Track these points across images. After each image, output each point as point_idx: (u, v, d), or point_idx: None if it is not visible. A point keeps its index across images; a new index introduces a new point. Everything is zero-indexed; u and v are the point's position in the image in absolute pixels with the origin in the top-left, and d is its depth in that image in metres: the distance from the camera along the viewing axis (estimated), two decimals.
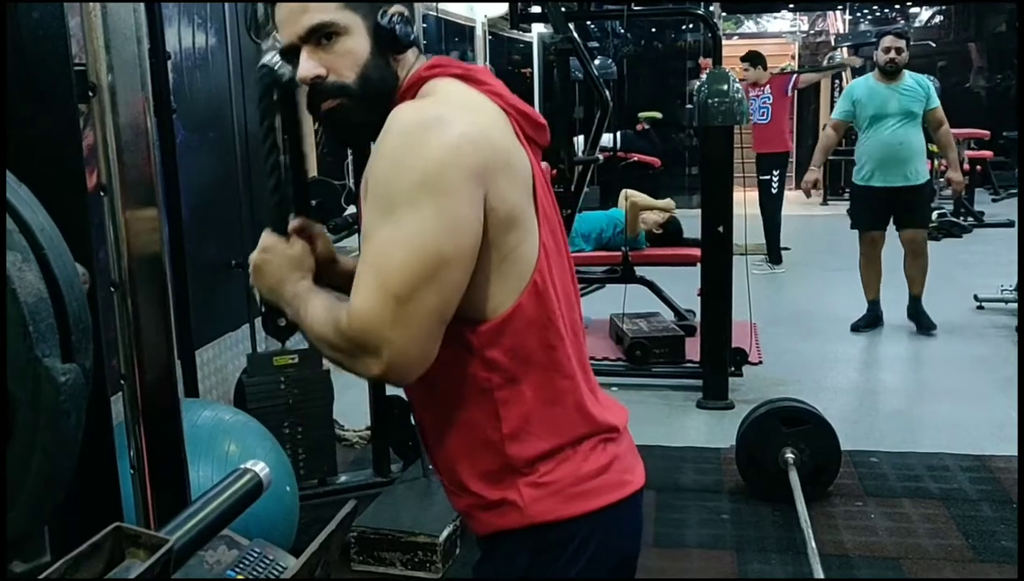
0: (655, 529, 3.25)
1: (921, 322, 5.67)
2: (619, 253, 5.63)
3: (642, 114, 9.63)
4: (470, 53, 8.76)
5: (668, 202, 6.23)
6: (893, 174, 5.51)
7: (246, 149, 3.76)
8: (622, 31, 12.56)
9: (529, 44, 10.07)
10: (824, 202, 11.76)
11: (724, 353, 4.55)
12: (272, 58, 1.34)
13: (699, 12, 4.97)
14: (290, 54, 1.29)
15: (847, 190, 12.16)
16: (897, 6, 13.74)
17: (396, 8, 1.28)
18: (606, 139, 9.44)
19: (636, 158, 10.96)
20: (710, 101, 4.32)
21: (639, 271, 5.93)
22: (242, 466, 0.87)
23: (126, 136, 1.47)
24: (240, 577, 0.82)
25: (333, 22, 1.25)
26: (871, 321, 5.79)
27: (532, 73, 10.45)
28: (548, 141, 1.37)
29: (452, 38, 10.30)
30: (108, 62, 1.44)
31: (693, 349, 4.94)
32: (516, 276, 1.23)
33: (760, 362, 5.18)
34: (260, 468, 0.87)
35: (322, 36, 1.25)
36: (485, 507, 1.30)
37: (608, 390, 4.69)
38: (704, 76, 4.42)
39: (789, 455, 3.36)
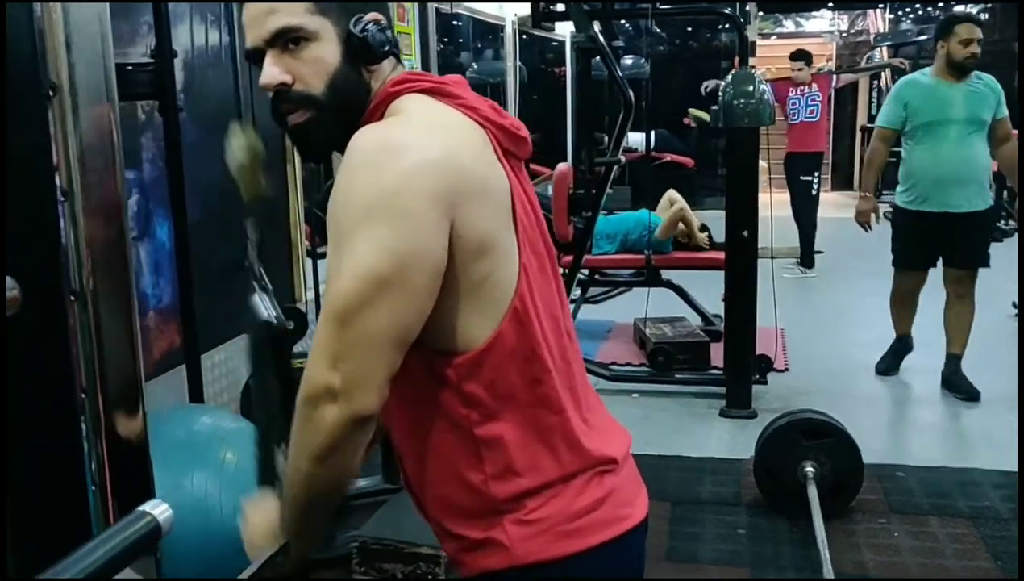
0: (668, 543, 3.16)
1: (960, 387, 4.56)
2: (642, 256, 5.52)
3: (692, 111, 9.37)
4: (502, 51, 8.71)
5: (702, 237, 5.89)
6: (952, 197, 4.41)
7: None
8: (657, 30, 12.43)
9: (563, 43, 9.98)
10: None
11: (748, 360, 4.44)
12: (268, 310, 1.30)
13: (726, 11, 4.85)
14: (255, 58, 1.21)
15: (882, 193, 11.96)
16: (940, 4, 13.47)
17: (372, 15, 1.20)
18: (636, 139, 9.35)
19: (669, 158, 10.83)
20: (735, 102, 4.21)
21: (667, 275, 5.83)
22: (140, 508, 0.80)
23: (88, 139, 1.41)
24: None
25: (301, 26, 1.16)
26: (899, 352, 4.92)
27: (565, 72, 10.37)
28: (529, 153, 1.28)
29: (486, 36, 10.25)
30: (69, 61, 1.38)
31: (719, 355, 4.82)
32: (493, 303, 1.14)
33: (786, 369, 5.05)
34: (160, 511, 0.80)
35: (289, 41, 1.17)
36: (470, 548, 1.21)
37: (629, 397, 4.66)
38: (729, 76, 4.30)
39: (809, 469, 3.24)
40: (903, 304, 4.82)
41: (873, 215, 4.78)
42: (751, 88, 4.20)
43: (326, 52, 1.18)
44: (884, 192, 11.95)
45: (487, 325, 1.13)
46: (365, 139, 1.09)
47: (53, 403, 1.48)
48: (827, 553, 2.82)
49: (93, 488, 1.49)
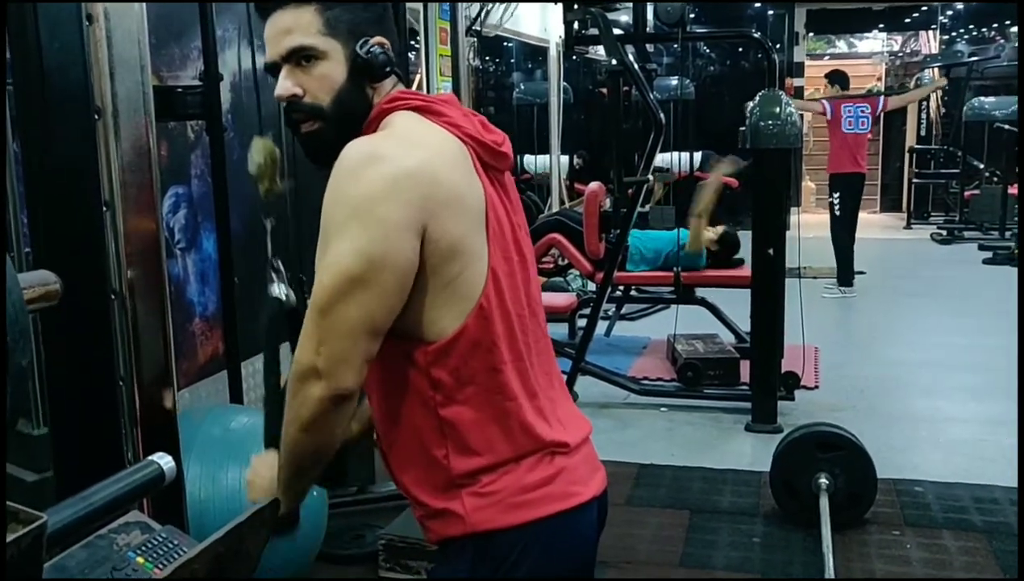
0: (684, 549, 3.25)
1: None
2: (670, 273, 5.59)
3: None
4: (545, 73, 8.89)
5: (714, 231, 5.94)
6: None
7: (294, 166, 3.89)
8: (706, 50, 12.51)
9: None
10: (908, 226, 11.47)
11: (773, 376, 4.52)
12: (281, 290, 1.48)
13: (755, 36, 4.96)
14: (272, 70, 1.38)
15: (931, 214, 11.80)
16: (995, 24, 13.35)
17: (377, 39, 1.36)
18: (672, 159, 9.41)
19: None
20: (762, 124, 4.31)
21: (703, 292, 5.92)
22: (149, 457, 0.96)
23: (128, 156, 1.60)
24: (140, 559, 0.91)
25: (313, 46, 1.33)
26: None
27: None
28: (509, 167, 1.43)
29: (536, 58, 10.44)
30: (112, 89, 1.57)
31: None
32: (461, 300, 1.29)
33: (816, 387, 5.11)
34: (165, 461, 0.96)
35: (302, 58, 1.34)
36: (431, 516, 1.36)
37: (658, 410, 4.75)
38: (757, 97, 4.41)
39: (823, 480, 3.33)
40: None
41: None
42: (778, 110, 4.30)
43: (334, 70, 1.34)
44: (932, 214, 11.91)
45: (455, 319, 1.29)
46: (354, 149, 1.26)
47: (95, 388, 1.67)
48: (831, 557, 2.91)
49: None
